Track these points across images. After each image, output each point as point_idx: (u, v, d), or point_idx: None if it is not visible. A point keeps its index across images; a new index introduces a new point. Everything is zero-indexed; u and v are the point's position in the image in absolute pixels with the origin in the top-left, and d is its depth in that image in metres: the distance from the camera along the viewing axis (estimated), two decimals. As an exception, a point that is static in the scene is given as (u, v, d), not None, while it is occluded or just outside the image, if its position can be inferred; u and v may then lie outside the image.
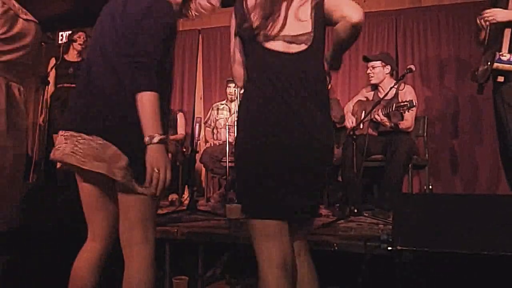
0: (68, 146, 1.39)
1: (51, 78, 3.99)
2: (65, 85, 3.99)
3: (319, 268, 1.52)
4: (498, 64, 2.38)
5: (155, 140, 1.29)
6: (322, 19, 1.43)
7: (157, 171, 1.30)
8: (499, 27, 2.49)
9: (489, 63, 2.44)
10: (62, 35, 4.40)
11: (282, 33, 1.42)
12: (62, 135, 1.44)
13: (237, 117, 1.50)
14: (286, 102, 1.38)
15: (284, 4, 1.43)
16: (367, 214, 2.84)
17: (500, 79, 2.44)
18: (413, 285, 1.51)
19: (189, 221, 2.82)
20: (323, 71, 1.51)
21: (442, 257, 1.47)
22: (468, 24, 4.15)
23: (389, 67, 3.39)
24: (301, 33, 1.42)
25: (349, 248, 2.09)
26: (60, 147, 1.42)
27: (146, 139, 1.31)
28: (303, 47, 1.42)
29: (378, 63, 3.39)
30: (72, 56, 4.12)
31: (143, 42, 1.37)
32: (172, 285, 2.47)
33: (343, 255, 2.11)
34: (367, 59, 3.46)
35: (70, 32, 4.22)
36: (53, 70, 3.99)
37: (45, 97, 3.61)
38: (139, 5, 1.43)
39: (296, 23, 1.42)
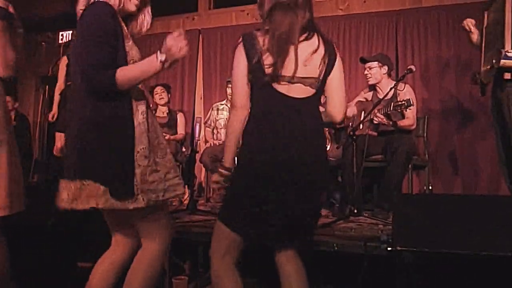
0: (63, 193, 1.48)
1: (62, 77, 3.98)
2: None
3: (319, 268, 1.52)
4: (505, 61, 2.36)
5: (162, 58, 1.40)
6: (329, 73, 1.51)
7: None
8: (494, 27, 2.50)
9: (494, 62, 2.43)
10: (62, 35, 4.40)
11: (290, 75, 1.45)
12: (60, 185, 1.52)
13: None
14: (281, 143, 1.45)
15: (292, 48, 1.45)
16: (367, 215, 2.84)
17: (507, 75, 2.44)
18: (413, 285, 1.51)
19: (189, 221, 2.82)
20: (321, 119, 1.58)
21: (442, 257, 1.47)
22: (468, 24, 4.14)
23: (386, 67, 3.39)
24: (309, 76, 1.47)
25: (349, 248, 2.08)
26: (59, 195, 1.51)
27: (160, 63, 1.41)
28: (308, 92, 1.49)
29: (375, 63, 3.39)
30: None
31: (79, 52, 1.43)
32: (172, 284, 2.47)
33: (343, 255, 2.11)
34: (364, 60, 3.47)
35: (71, 32, 4.22)
36: (64, 69, 3.99)
37: (46, 96, 3.61)
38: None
39: (305, 66, 1.46)
